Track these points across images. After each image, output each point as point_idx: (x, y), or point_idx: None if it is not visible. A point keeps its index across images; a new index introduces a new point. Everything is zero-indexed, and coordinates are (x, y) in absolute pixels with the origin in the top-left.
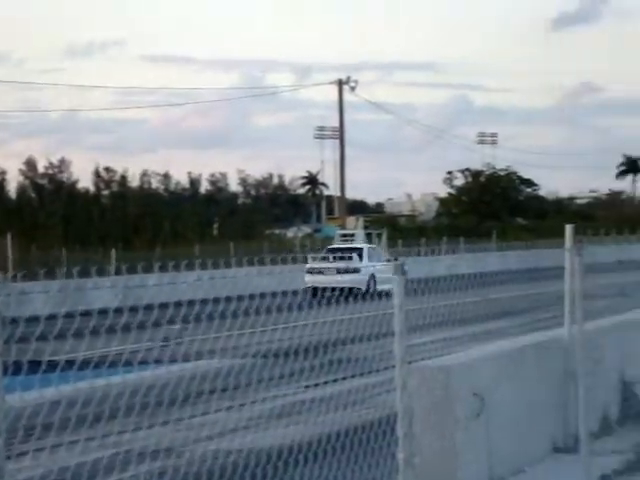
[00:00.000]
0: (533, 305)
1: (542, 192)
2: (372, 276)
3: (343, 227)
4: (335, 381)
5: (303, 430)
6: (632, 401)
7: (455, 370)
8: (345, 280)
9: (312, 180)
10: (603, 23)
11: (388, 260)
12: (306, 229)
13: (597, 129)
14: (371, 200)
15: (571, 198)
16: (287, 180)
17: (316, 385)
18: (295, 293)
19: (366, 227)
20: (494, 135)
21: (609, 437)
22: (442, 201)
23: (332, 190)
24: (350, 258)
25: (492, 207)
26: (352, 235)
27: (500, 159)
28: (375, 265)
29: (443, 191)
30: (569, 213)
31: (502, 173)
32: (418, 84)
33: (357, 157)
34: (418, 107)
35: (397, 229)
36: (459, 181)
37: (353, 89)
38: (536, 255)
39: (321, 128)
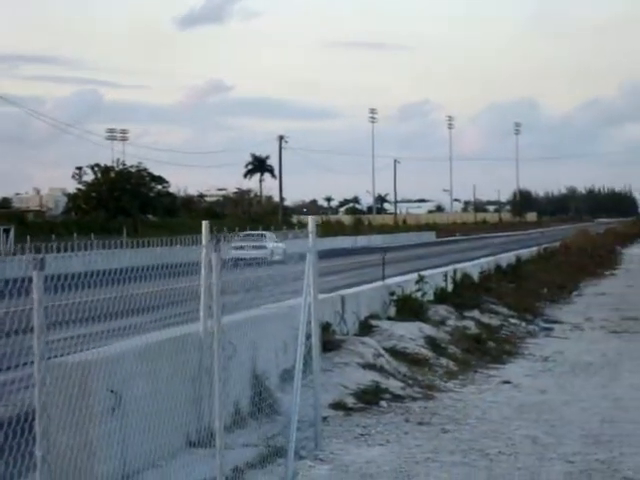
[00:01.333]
0: (171, 300)
1: (172, 189)
2: None
3: None
4: None
5: None
6: (263, 395)
7: (92, 366)
8: None
9: None
10: (231, 23)
11: None
12: None
13: (226, 128)
14: None
15: (201, 196)
16: None
17: None
18: None
19: None
20: (125, 132)
21: (241, 430)
22: (71, 197)
23: None
24: None
25: (122, 203)
26: None
27: (131, 155)
28: None
29: (73, 187)
30: (198, 210)
31: (133, 170)
32: (48, 78)
33: None
34: (47, 101)
35: (25, 225)
36: (89, 177)
37: None
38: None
39: None
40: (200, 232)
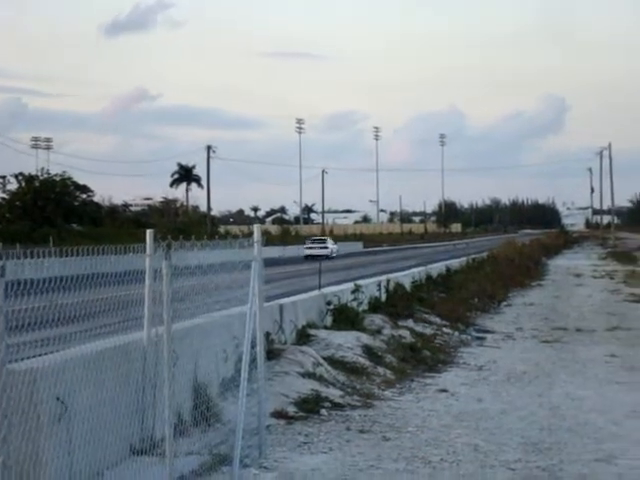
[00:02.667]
0: (113, 308)
1: (97, 198)
2: None
3: None
4: None
5: None
6: (205, 403)
7: (40, 374)
8: None
9: None
10: (156, 32)
11: None
12: None
13: (152, 137)
14: None
15: (126, 205)
16: None
17: None
18: None
19: None
20: (49, 140)
21: (185, 439)
22: None
23: None
24: None
25: (46, 212)
26: None
27: (56, 164)
28: None
29: None
30: (123, 220)
31: (57, 178)
32: None
33: None
34: None
35: None
36: (13, 186)
37: None
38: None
39: None
40: (125, 242)
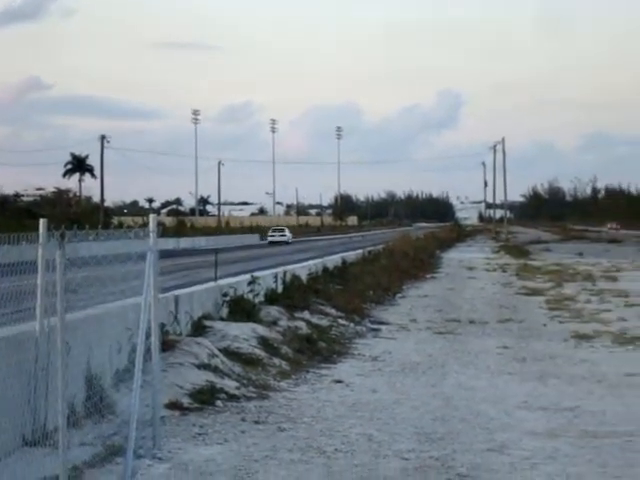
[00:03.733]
0: (5, 299)
1: None
2: None
3: None
4: None
5: None
6: (98, 394)
7: None
8: None
9: None
10: (50, 20)
11: None
12: None
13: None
14: None
15: (17, 195)
16: None
17: None
18: None
19: None
20: None
21: (77, 430)
22: None
23: None
24: None
25: None
26: None
27: None
28: None
29: None
30: (15, 210)
31: None
32: None
33: None
34: None
35: None
36: None
37: None
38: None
39: None
40: (16, 231)
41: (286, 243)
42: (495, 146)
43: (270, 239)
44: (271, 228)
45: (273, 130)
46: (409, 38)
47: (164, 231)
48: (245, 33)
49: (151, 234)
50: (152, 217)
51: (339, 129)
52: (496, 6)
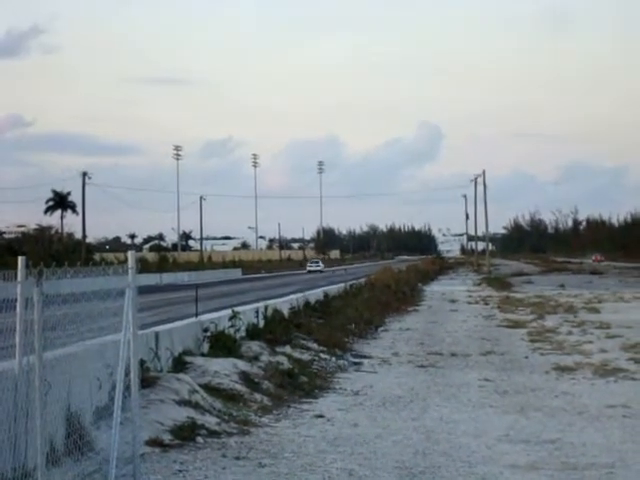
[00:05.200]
0: None
1: None
2: None
3: None
4: None
5: None
6: (78, 432)
7: None
8: None
9: None
10: (30, 57)
11: None
12: None
13: (26, 163)
14: None
15: None
16: None
17: None
18: None
19: None
20: None
21: (57, 469)
22: None
23: None
24: None
25: None
26: None
27: None
28: None
29: None
30: None
31: None
32: None
33: None
34: None
35: None
36: None
37: None
38: None
39: None
40: None
41: (320, 272)
42: (476, 179)
43: (309, 268)
44: (309, 260)
45: (255, 165)
46: (390, 70)
47: (146, 267)
48: (223, 67)
49: (130, 270)
50: (130, 254)
51: (321, 163)
52: (475, 37)
